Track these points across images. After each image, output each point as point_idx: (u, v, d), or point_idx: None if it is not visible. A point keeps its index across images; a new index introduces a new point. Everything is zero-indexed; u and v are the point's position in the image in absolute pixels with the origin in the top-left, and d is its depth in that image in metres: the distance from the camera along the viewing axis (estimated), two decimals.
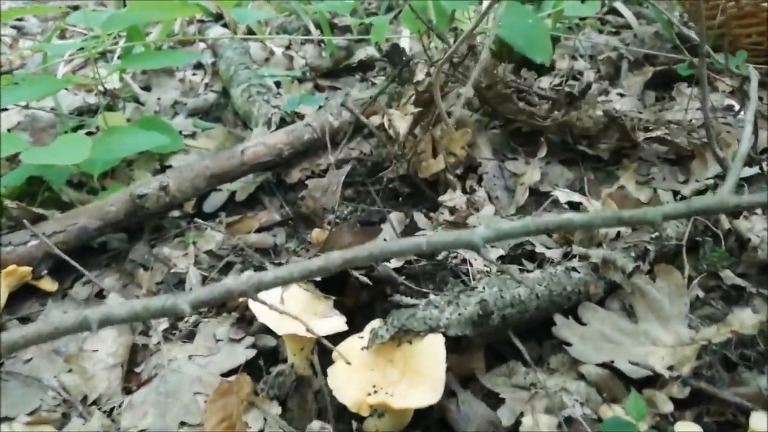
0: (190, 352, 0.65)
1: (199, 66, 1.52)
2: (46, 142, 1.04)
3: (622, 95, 1.19)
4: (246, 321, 0.70)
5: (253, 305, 0.61)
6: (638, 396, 0.51)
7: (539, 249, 0.75)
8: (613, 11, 1.60)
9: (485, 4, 1.11)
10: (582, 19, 1.52)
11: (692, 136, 0.98)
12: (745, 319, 0.63)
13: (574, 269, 0.67)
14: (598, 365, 0.60)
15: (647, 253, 0.68)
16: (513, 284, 0.64)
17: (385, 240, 0.75)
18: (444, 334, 0.58)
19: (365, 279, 0.65)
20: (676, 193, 0.91)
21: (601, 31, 1.54)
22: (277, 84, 1.31)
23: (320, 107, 1.06)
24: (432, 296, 0.65)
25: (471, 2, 1.17)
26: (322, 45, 1.50)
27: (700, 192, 0.86)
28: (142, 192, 0.83)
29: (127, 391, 0.62)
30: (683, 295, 0.64)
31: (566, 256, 0.72)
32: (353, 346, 0.58)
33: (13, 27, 1.93)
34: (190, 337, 0.68)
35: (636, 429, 0.49)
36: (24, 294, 0.77)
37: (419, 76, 0.96)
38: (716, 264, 0.74)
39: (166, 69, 1.42)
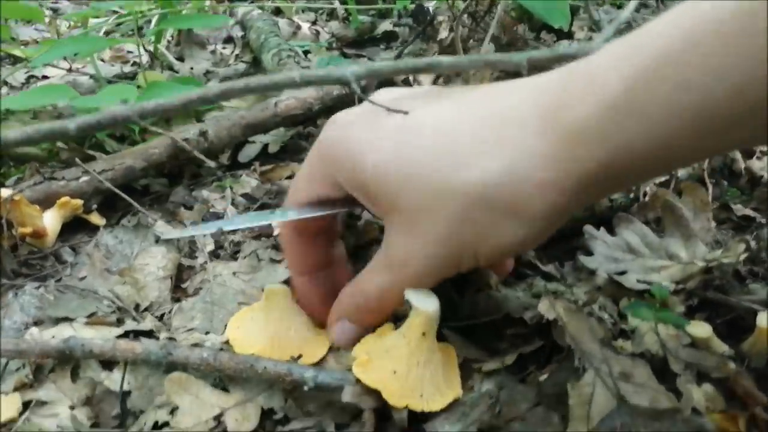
0: (234, 269, 0.70)
1: (228, 40, 1.59)
2: None
3: None
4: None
5: None
6: (663, 284, 0.56)
7: None
8: None
9: None
10: None
11: None
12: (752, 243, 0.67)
13: None
14: (609, 276, 0.64)
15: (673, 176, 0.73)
16: None
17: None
18: None
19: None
20: None
21: (620, 6, 1.58)
22: (305, 53, 1.37)
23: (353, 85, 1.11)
24: None
25: None
26: (347, 21, 1.56)
27: None
28: (184, 136, 0.89)
29: (176, 300, 0.67)
30: (707, 210, 0.68)
31: None
32: None
33: (50, 8, 2.01)
34: (234, 257, 0.73)
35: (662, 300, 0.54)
36: (75, 226, 0.82)
37: (443, 33, 1.01)
38: (729, 200, 0.79)
39: (198, 41, 1.48)
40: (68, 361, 0.57)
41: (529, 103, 0.43)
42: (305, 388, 0.52)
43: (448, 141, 0.45)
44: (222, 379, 0.55)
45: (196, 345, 0.59)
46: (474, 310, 0.63)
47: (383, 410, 0.52)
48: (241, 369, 0.54)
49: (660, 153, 0.39)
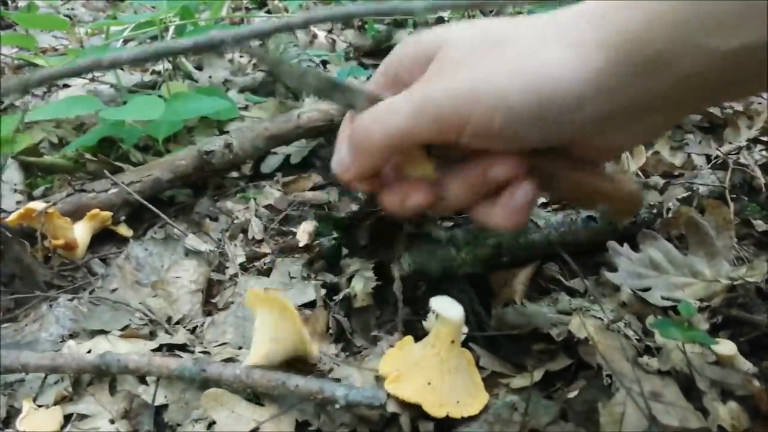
0: (266, 285, 0.71)
1: None
2: None
3: None
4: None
5: None
6: (689, 300, 0.57)
7: None
8: None
9: None
10: None
11: (725, 107, 1.03)
12: None
13: (593, 219, 0.73)
14: (633, 293, 0.65)
15: (696, 191, 0.74)
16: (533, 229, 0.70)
17: None
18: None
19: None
20: (709, 158, 0.96)
21: None
22: (323, 63, 1.38)
23: (368, 78, 1.13)
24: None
25: None
26: (363, 31, 1.57)
27: (734, 152, 0.91)
28: (209, 148, 0.90)
29: (207, 314, 0.69)
30: (730, 228, 0.69)
31: None
32: None
33: (66, 15, 2.02)
34: (266, 274, 0.74)
35: (689, 318, 0.54)
36: (103, 237, 0.83)
37: None
38: (749, 216, 0.79)
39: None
40: (105, 374, 0.59)
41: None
42: (336, 406, 0.53)
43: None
44: (256, 394, 0.57)
45: (229, 360, 0.60)
46: (500, 324, 0.64)
47: (413, 421, 0.54)
48: (273, 386, 0.55)
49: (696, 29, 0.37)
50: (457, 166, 0.45)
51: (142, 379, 0.59)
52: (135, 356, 0.57)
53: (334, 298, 0.68)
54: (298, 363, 0.59)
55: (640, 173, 0.86)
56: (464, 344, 0.60)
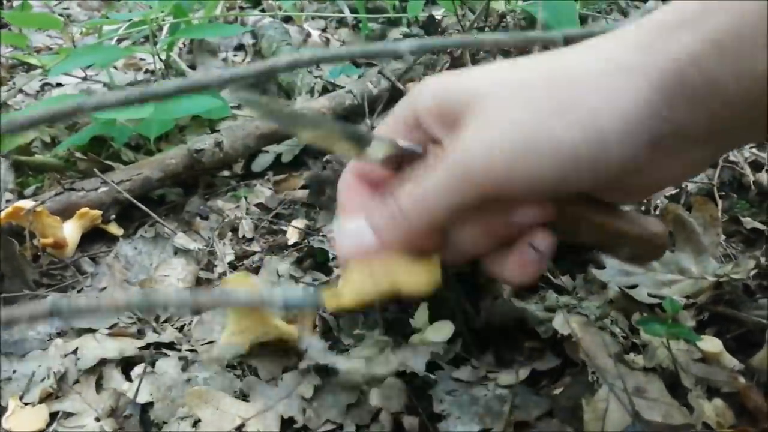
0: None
1: (239, 48, 1.60)
2: None
3: None
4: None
5: None
6: (674, 298, 0.57)
7: None
8: None
9: None
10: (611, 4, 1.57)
11: None
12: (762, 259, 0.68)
13: None
14: (620, 290, 0.65)
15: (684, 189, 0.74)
16: None
17: None
18: None
19: None
20: None
21: (626, 15, 1.59)
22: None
23: (360, 77, 1.13)
24: None
25: None
26: (356, 29, 1.57)
27: None
28: (199, 147, 0.91)
29: (195, 312, 0.69)
30: (717, 225, 0.69)
31: None
32: None
33: (60, 15, 2.02)
34: (255, 272, 0.74)
35: (674, 314, 0.54)
36: (93, 236, 0.83)
37: None
38: (738, 213, 0.80)
39: (209, 49, 1.50)
40: (93, 371, 0.59)
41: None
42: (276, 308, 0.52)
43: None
44: (243, 390, 0.57)
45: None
46: (490, 318, 0.64)
47: (396, 417, 0.54)
48: (216, 301, 0.53)
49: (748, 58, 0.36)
50: (472, 209, 0.41)
51: (128, 377, 0.59)
52: (84, 298, 0.57)
53: None
54: (278, 347, 0.59)
55: None
56: (452, 340, 0.60)
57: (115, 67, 1.45)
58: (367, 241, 0.43)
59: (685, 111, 0.38)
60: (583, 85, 0.38)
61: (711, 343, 0.57)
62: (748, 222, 0.77)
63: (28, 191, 0.93)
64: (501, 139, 0.37)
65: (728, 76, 0.36)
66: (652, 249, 0.45)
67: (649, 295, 0.64)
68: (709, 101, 0.37)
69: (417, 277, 0.45)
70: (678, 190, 0.78)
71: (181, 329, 0.66)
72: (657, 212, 0.74)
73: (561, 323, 0.54)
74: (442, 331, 0.61)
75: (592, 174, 0.38)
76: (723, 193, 0.81)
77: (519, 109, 0.38)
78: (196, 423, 0.54)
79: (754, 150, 0.90)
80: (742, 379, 0.55)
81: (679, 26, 0.38)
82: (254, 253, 0.78)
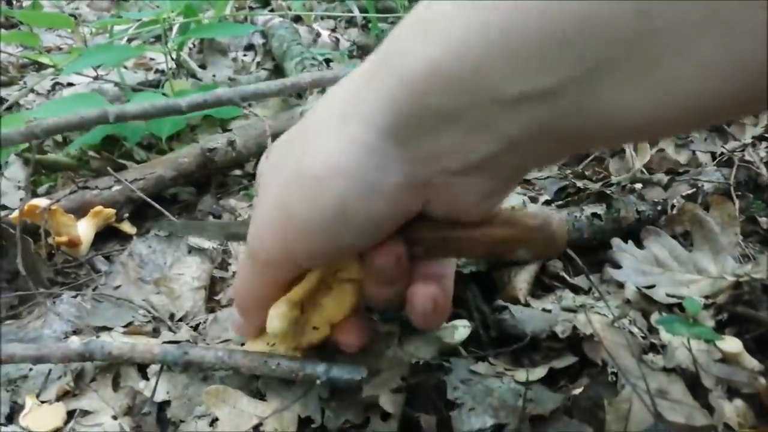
0: None
1: (249, 48, 1.60)
2: None
3: None
4: None
5: None
6: (694, 297, 0.56)
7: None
8: None
9: None
10: None
11: None
12: None
13: (597, 216, 0.72)
14: (638, 290, 0.64)
15: (700, 188, 0.74)
16: None
17: None
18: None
19: None
20: (714, 155, 0.95)
21: None
22: (327, 61, 1.38)
23: None
24: None
25: None
26: (365, 29, 1.57)
27: (739, 149, 0.90)
28: (212, 146, 0.90)
29: (210, 311, 0.69)
30: (735, 225, 0.68)
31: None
32: None
33: (71, 15, 2.03)
34: None
35: (694, 314, 0.54)
36: (107, 235, 0.83)
37: None
38: (755, 213, 0.79)
39: (219, 49, 1.50)
40: (109, 369, 0.59)
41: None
42: (318, 382, 0.52)
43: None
44: (260, 389, 0.56)
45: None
46: (499, 328, 0.63)
47: (409, 417, 0.53)
48: (255, 366, 0.54)
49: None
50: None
51: (145, 375, 0.59)
52: (118, 343, 0.57)
53: None
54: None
55: (644, 170, 0.86)
56: (466, 343, 0.60)
57: (126, 67, 1.46)
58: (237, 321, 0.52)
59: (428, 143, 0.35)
60: (308, 149, 0.37)
61: (731, 344, 0.57)
62: (765, 222, 0.77)
63: (41, 190, 0.93)
64: (263, 218, 0.41)
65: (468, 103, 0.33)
66: (543, 243, 0.40)
67: (668, 295, 0.64)
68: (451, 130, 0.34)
69: (335, 306, 0.50)
70: (695, 189, 0.78)
71: (196, 328, 0.66)
72: (674, 211, 0.74)
73: (583, 322, 0.53)
74: (459, 332, 0.60)
75: (355, 231, 0.37)
76: (739, 193, 0.81)
77: (274, 185, 0.39)
78: (213, 422, 0.54)
79: None
80: (762, 380, 0.54)
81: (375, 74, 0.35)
82: None
